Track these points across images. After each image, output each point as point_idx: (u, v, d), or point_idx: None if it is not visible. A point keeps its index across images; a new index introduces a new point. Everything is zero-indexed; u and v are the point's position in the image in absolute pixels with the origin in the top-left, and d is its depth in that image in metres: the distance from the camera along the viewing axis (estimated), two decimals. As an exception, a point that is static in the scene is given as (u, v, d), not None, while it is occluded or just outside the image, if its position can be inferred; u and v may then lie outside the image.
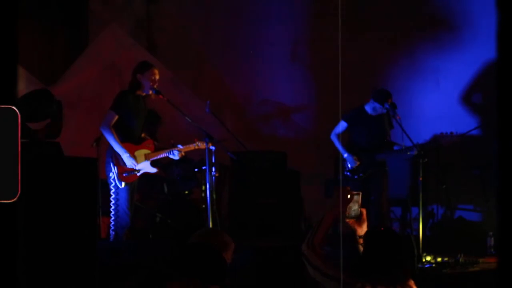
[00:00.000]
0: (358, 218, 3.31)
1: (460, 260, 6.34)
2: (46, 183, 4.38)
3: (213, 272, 2.83)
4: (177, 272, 2.78)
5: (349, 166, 7.37)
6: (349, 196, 3.27)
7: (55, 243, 4.44)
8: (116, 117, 6.11)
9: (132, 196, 6.19)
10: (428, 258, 6.44)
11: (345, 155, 7.38)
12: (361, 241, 3.26)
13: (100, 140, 6.56)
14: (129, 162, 6.09)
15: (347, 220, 3.30)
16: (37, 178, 4.24)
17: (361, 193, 3.33)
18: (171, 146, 6.42)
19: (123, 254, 5.52)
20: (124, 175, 6.09)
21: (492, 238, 7.06)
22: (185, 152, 6.46)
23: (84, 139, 7.17)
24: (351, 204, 3.27)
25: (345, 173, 7.37)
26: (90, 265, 4.61)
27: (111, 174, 6.11)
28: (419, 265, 6.23)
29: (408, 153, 6.95)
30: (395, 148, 7.28)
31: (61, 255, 4.46)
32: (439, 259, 6.45)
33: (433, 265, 6.33)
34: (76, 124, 7.75)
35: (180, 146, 6.39)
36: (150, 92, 6.20)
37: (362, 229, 3.31)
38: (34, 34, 8.30)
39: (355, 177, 7.30)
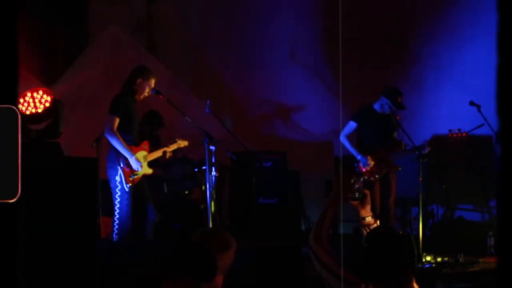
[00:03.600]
0: (362, 200, 3.30)
1: (460, 260, 6.33)
2: (46, 183, 4.38)
3: (204, 270, 2.88)
4: (174, 272, 2.82)
5: (363, 168, 7.12)
6: (352, 180, 3.26)
7: (55, 243, 4.44)
8: (118, 120, 6.06)
9: (135, 198, 6.16)
10: (428, 258, 6.44)
11: (359, 157, 7.12)
12: (364, 223, 3.27)
13: (100, 140, 6.55)
14: (135, 165, 6.04)
15: (351, 202, 3.29)
16: (37, 178, 4.23)
17: (363, 177, 3.34)
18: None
19: (123, 254, 5.52)
20: (130, 177, 6.05)
21: (492, 238, 7.06)
22: (185, 152, 6.47)
23: (84, 139, 7.17)
24: (355, 187, 3.26)
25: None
26: (90, 265, 4.61)
27: (117, 178, 6.05)
28: (419, 265, 6.22)
29: (416, 152, 6.75)
30: (407, 148, 7.06)
31: (61, 255, 4.46)
32: (439, 259, 6.44)
33: (433, 265, 6.32)
34: (76, 124, 7.75)
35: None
36: (146, 94, 6.19)
37: (366, 211, 3.30)
38: (34, 34, 8.29)
39: (371, 179, 7.02)
